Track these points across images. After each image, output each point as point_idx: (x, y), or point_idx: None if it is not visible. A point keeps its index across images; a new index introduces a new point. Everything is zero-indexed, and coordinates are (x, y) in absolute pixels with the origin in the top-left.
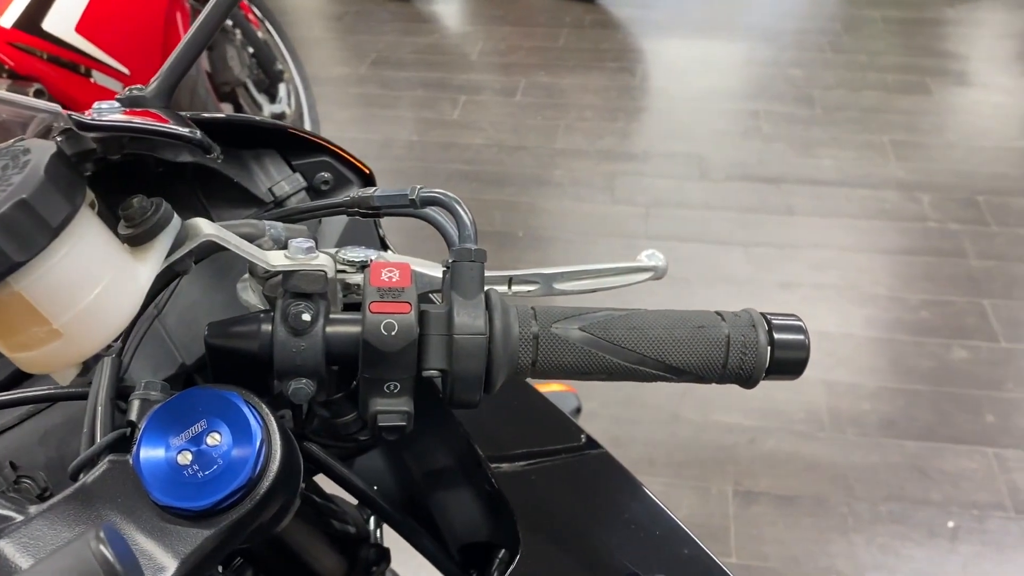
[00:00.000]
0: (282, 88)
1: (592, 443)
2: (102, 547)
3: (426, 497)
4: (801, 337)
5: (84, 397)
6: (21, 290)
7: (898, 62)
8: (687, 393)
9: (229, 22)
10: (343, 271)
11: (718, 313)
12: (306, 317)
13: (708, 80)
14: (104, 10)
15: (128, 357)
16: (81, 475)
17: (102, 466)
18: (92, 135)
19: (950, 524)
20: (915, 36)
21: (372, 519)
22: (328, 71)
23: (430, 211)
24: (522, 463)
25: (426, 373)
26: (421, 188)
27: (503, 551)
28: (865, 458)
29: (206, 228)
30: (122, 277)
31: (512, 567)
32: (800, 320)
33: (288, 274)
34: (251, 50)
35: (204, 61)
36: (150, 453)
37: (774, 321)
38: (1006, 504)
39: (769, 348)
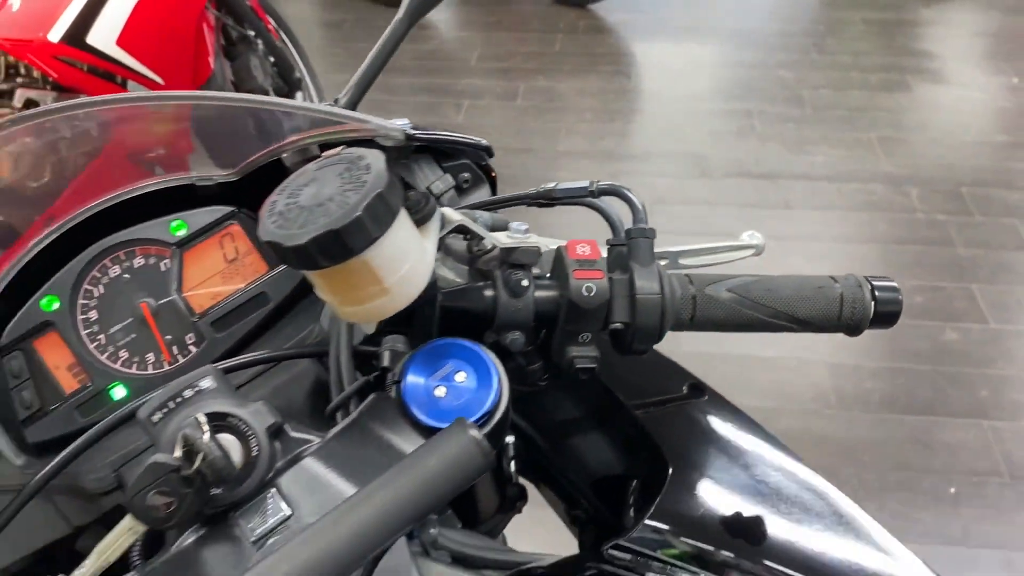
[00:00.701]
0: (299, 95)
1: (704, 387)
2: (472, 431)
3: (563, 440)
4: (896, 295)
5: (324, 355)
6: (368, 259)
7: (880, 62)
8: (705, 378)
9: (251, 32)
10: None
11: (832, 277)
12: (524, 283)
13: (700, 82)
14: (143, 24)
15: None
16: (338, 414)
17: (369, 400)
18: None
19: (952, 490)
20: (894, 36)
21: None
22: (331, 78)
23: (597, 201)
24: (650, 408)
25: (612, 326)
26: (598, 182)
27: (635, 481)
28: (870, 432)
29: (455, 215)
30: (422, 250)
31: (666, 485)
32: (894, 282)
33: (510, 250)
34: (272, 59)
35: (228, 70)
36: (413, 386)
37: (875, 283)
38: (1002, 471)
39: (872, 303)
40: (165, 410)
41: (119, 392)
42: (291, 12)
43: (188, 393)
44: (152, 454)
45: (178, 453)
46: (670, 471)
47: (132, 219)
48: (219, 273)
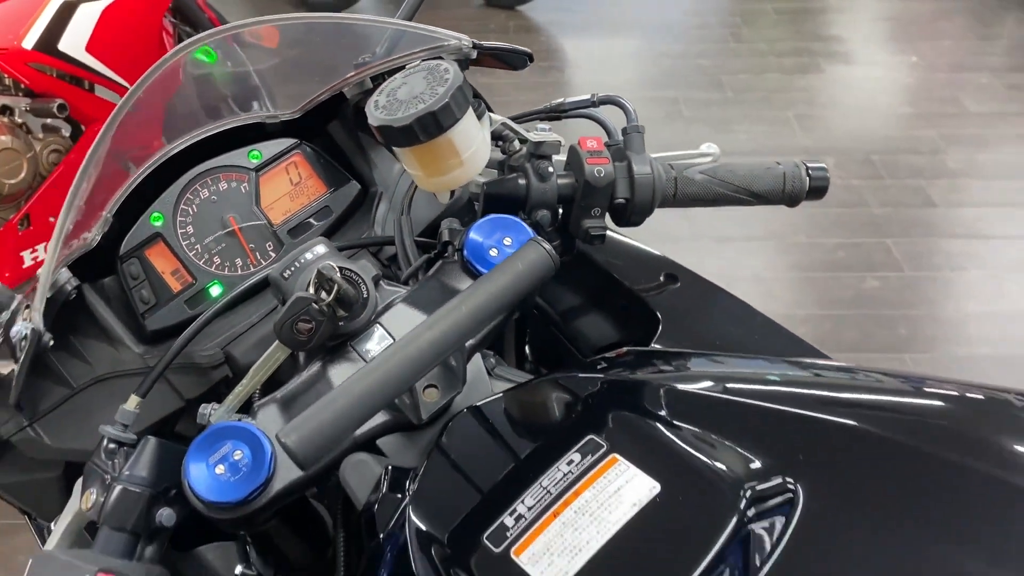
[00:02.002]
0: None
1: (678, 273)
2: (544, 244)
3: (572, 321)
4: (825, 173)
5: (391, 243)
6: (453, 136)
7: (792, 47)
8: None
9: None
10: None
11: (776, 160)
12: (550, 169)
13: (628, 73)
14: (109, 31)
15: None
16: (410, 281)
17: (438, 265)
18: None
19: None
20: (804, 24)
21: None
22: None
23: (596, 112)
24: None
25: (616, 201)
26: (598, 94)
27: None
28: None
29: (498, 117)
30: (484, 137)
31: (657, 333)
32: (824, 164)
33: (538, 143)
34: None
35: None
36: (474, 245)
37: (809, 164)
38: None
39: (807, 179)
40: (292, 269)
41: (215, 290)
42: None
43: (308, 256)
44: (259, 329)
45: (312, 291)
46: (660, 325)
47: (215, 152)
48: (287, 194)
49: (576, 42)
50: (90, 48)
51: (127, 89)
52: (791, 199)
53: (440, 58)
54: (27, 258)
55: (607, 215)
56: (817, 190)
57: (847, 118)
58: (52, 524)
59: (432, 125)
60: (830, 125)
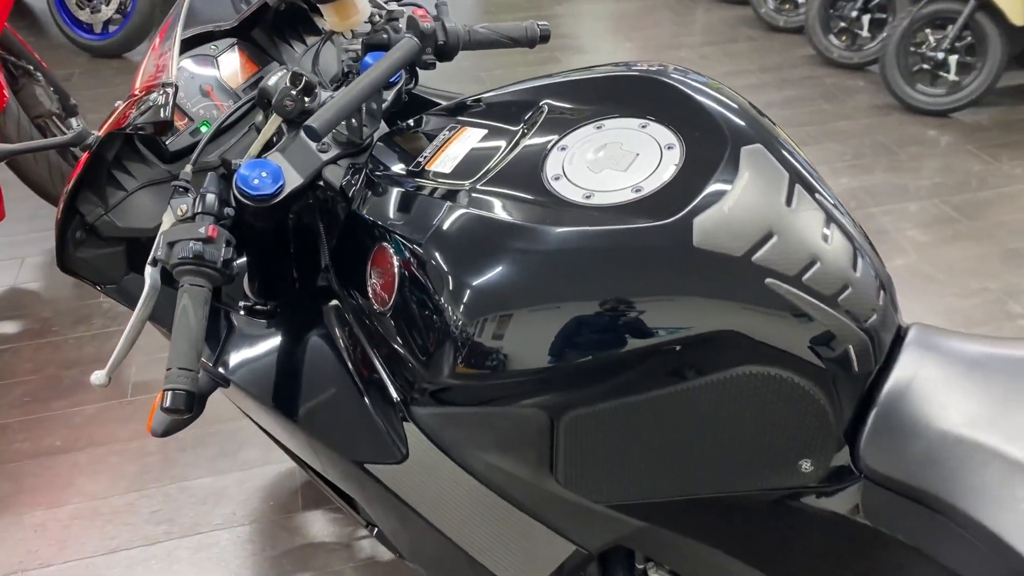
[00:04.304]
0: (75, 121)
1: None
2: (412, 39)
3: None
4: (547, 26)
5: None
6: (354, 0)
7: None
8: None
9: (30, 66)
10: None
11: (524, 23)
12: (400, 26)
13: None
14: None
15: None
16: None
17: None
18: None
19: None
20: None
21: None
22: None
23: None
24: None
25: (438, 44)
26: None
27: None
28: None
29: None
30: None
31: None
32: (547, 23)
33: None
34: (52, 88)
35: (14, 102)
36: (366, 63)
37: (539, 23)
38: None
39: (538, 29)
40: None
41: (204, 128)
42: None
43: (278, 73)
44: (237, 145)
45: (288, 84)
46: None
47: (190, 46)
48: (236, 71)
49: None
50: None
51: None
52: (531, 42)
53: None
54: None
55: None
56: (544, 36)
57: None
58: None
59: None
60: None
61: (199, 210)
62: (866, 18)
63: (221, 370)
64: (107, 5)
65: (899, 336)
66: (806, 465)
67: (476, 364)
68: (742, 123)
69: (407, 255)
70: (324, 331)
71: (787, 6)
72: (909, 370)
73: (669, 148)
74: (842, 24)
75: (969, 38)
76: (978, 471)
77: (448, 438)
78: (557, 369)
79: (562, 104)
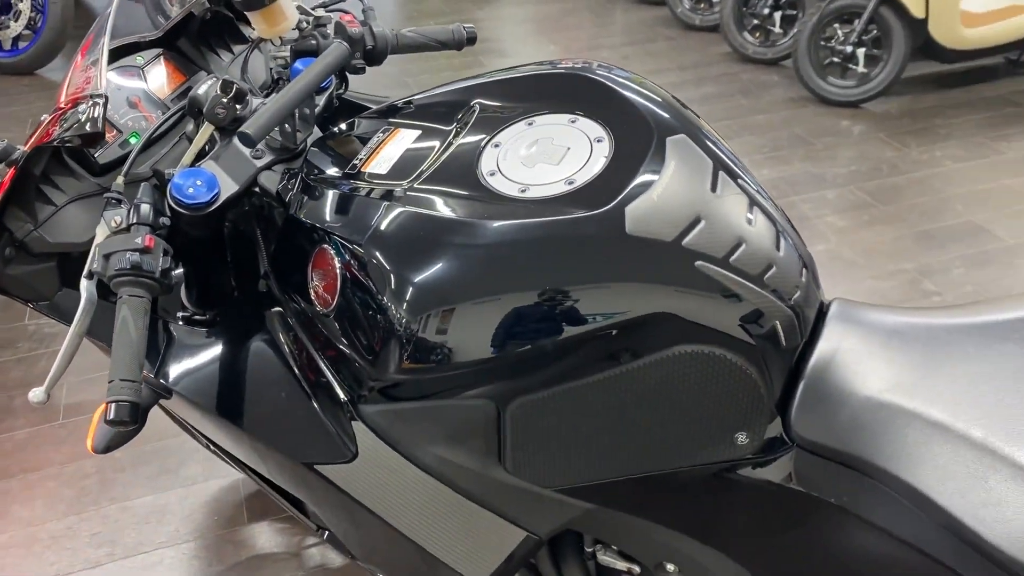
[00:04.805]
0: None
1: None
2: (342, 44)
3: None
4: (473, 29)
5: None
6: (280, 2)
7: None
8: None
9: None
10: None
11: (450, 26)
12: (329, 32)
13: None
14: None
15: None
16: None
17: (277, 81)
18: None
19: None
20: None
21: None
22: None
23: (343, 5)
24: None
25: (367, 48)
26: None
27: None
28: None
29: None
30: (293, 5)
31: None
32: (472, 25)
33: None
34: None
35: None
36: (296, 69)
37: (464, 25)
38: None
39: (465, 32)
40: (200, 91)
41: (133, 139)
42: None
43: (206, 83)
44: (168, 156)
45: (219, 92)
46: None
47: (114, 59)
48: (164, 82)
49: None
50: None
51: None
52: (459, 44)
53: None
54: None
55: (362, 58)
56: (471, 38)
57: None
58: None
59: None
60: None
61: (134, 221)
62: (778, 15)
63: (163, 381)
64: (16, 21)
65: (822, 311)
66: (742, 438)
67: (422, 359)
68: (666, 115)
69: (348, 256)
70: (267, 337)
71: (702, 5)
72: (833, 342)
73: (598, 141)
74: (755, 21)
75: (875, 31)
76: (900, 433)
77: (397, 434)
78: (501, 359)
79: (493, 103)
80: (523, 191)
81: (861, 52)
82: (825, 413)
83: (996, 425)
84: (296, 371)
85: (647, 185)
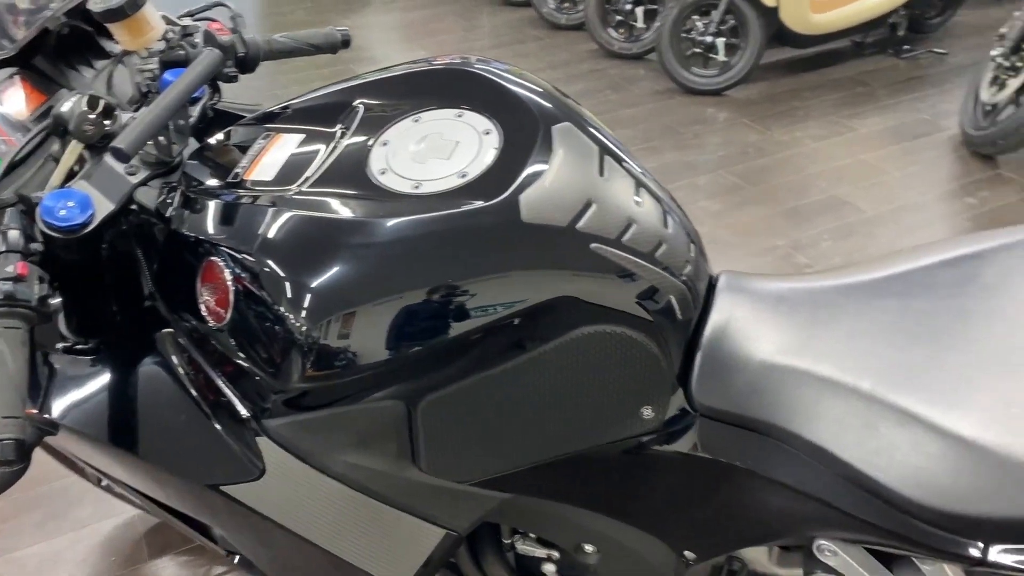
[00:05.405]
0: None
1: None
2: (213, 51)
3: None
4: (347, 31)
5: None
6: (145, 12)
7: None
8: None
9: None
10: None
11: (323, 30)
12: (196, 41)
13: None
14: None
15: None
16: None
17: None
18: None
19: None
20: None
21: None
22: None
23: (210, 13)
24: None
25: (238, 56)
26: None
27: None
28: None
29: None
30: (157, 15)
31: None
32: (347, 28)
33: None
34: None
35: None
36: (166, 80)
37: (339, 28)
38: None
39: (339, 34)
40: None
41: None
42: None
43: (70, 100)
44: (35, 177)
45: (85, 108)
46: None
47: None
48: (22, 103)
49: None
50: None
51: None
52: (333, 48)
53: None
54: None
55: (234, 65)
56: (346, 41)
57: None
58: None
59: (132, 6)
60: None
61: (2, 249)
62: (640, 10)
63: (47, 416)
64: None
65: (712, 284)
66: (647, 412)
67: (326, 366)
68: (549, 104)
69: (238, 267)
70: (158, 359)
71: (567, 5)
72: (725, 312)
73: (487, 133)
74: (619, 18)
75: (732, 21)
76: (795, 392)
77: (304, 445)
78: (407, 357)
79: (376, 102)
80: (416, 187)
81: (721, 42)
82: (724, 381)
83: (881, 375)
84: (192, 391)
85: (538, 174)
